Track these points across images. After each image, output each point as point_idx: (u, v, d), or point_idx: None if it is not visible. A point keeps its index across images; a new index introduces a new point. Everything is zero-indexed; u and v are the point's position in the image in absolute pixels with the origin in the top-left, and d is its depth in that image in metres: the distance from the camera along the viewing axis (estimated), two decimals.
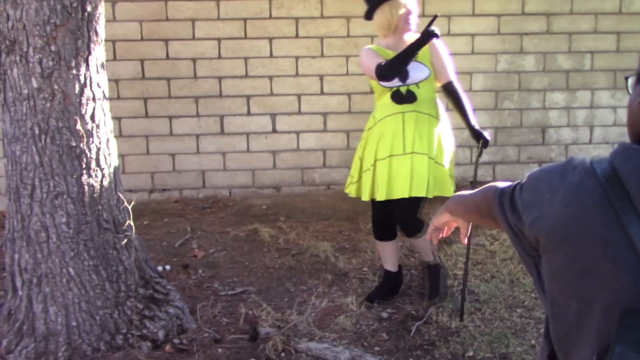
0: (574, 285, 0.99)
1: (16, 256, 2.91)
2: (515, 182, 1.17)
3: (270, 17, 5.25)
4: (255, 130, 5.41)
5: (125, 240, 2.97)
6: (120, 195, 3.03)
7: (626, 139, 1.06)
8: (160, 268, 3.85)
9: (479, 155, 3.37)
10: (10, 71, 2.82)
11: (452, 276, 3.82)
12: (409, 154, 3.22)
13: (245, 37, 5.28)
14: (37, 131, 2.80)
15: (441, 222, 1.53)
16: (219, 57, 5.30)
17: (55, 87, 2.80)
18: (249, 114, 5.38)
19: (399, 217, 3.40)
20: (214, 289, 3.70)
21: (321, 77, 5.38)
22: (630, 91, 1.04)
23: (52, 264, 2.83)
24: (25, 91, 2.80)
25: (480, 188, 1.36)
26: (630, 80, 1.04)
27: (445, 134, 3.38)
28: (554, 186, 1.04)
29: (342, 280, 3.81)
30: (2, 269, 3.59)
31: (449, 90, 3.35)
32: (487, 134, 3.35)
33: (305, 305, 3.46)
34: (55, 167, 2.81)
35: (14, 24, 2.76)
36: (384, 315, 3.39)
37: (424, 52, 3.24)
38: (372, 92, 3.53)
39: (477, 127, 3.32)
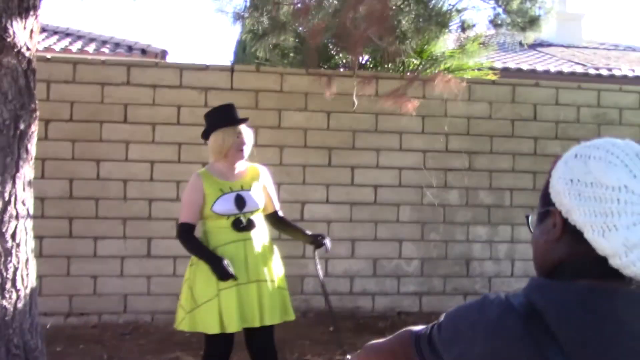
0: None
1: None
2: (430, 324, 1.19)
3: (206, 143, 5.33)
4: (183, 254, 5.29)
5: None
6: (35, 318, 2.88)
7: None
8: None
9: (314, 255, 3.41)
10: None
11: None
12: (254, 282, 3.19)
13: (179, 161, 5.33)
14: None
15: None
16: (151, 179, 5.30)
17: None
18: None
19: (259, 346, 3.31)
20: None
21: None
22: (532, 229, 1.11)
23: None
24: None
25: (393, 335, 1.37)
26: (531, 218, 1.12)
27: (277, 258, 3.41)
28: (473, 322, 1.05)
29: None
30: None
31: (277, 218, 3.49)
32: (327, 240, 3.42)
33: None
34: None
35: None
36: None
37: (253, 180, 3.34)
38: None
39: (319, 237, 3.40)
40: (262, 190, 3.37)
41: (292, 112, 5.52)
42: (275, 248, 3.42)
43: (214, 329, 3.14)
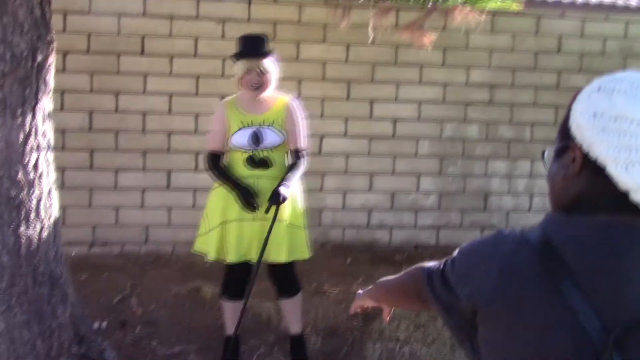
0: (516, 353, 1.00)
1: None
2: (443, 260, 1.19)
3: (223, 75, 5.31)
4: (202, 185, 5.36)
5: (61, 295, 2.88)
6: (59, 248, 2.95)
7: None
8: (96, 325, 3.71)
9: (266, 211, 3.18)
10: None
11: (395, 339, 3.81)
12: (259, 220, 3.20)
13: (197, 94, 5.31)
14: None
15: (363, 306, 1.58)
16: (170, 112, 5.30)
17: None
18: (196, 169, 5.35)
19: (280, 277, 3.39)
20: (152, 347, 3.59)
21: None
22: (547, 164, 1.10)
23: None
24: None
25: (405, 271, 1.38)
26: (547, 154, 1.11)
27: (297, 196, 3.39)
28: (488, 256, 1.05)
29: (285, 341, 3.75)
30: None
31: (293, 156, 3.36)
32: (282, 190, 3.16)
33: None
34: None
35: None
36: None
37: (280, 117, 3.29)
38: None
39: (279, 188, 3.16)
40: (288, 126, 3.31)
41: (310, 44, 5.44)
42: (298, 187, 3.40)
43: (210, 255, 3.30)
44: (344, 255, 5.43)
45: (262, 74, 3.21)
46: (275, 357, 3.55)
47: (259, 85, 3.22)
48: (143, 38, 5.22)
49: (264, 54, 3.25)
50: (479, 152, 5.79)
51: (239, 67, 3.24)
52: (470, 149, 5.77)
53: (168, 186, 5.37)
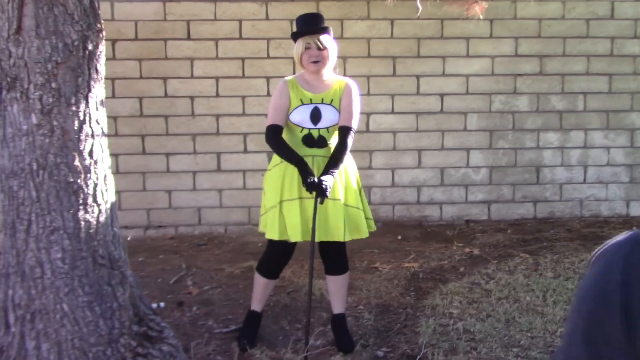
0: None
1: (10, 292, 2.89)
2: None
3: (268, 57, 5.33)
4: (252, 167, 5.43)
5: (120, 277, 2.97)
6: (116, 231, 3.03)
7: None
8: (154, 305, 3.82)
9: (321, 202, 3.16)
10: (10, 107, 2.85)
11: (448, 315, 3.81)
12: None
13: (243, 76, 5.35)
14: (35, 167, 2.81)
15: None
16: (217, 95, 5.36)
17: (55, 123, 2.83)
18: (245, 151, 5.41)
19: (331, 256, 3.40)
20: (208, 326, 3.67)
21: None
22: None
23: (46, 300, 2.81)
24: (25, 127, 2.82)
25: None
26: None
27: (351, 175, 3.37)
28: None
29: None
30: None
31: (340, 134, 3.27)
32: (325, 183, 3.09)
33: (300, 343, 3.43)
34: (52, 203, 2.82)
35: (16, 61, 2.80)
36: (380, 354, 3.36)
37: (337, 96, 3.27)
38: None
39: (322, 177, 3.10)
40: (343, 102, 3.29)
41: (354, 21, 5.40)
42: (352, 166, 3.41)
43: (273, 235, 3.26)
44: (395, 233, 5.42)
45: (321, 49, 3.23)
46: (328, 334, 3.58)
47: (318, 59, 3.23)
48: (188, 23, 5.28)
49: (321, 29, 3.26)
50: (529, 125, 5.67)
51: (297, 46, 3.27)
52: (520, 121, 5.66)
53: (218, 168, 5.45)
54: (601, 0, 5.57)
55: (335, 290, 3.50)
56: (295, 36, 3.29)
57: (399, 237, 5.33)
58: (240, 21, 5.32)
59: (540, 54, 5.58)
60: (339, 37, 5.33)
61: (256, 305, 3.53)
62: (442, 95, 5.56)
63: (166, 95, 5.34)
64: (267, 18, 5.30)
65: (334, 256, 3.42)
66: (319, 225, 3.24)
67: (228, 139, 5.41)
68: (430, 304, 3.95)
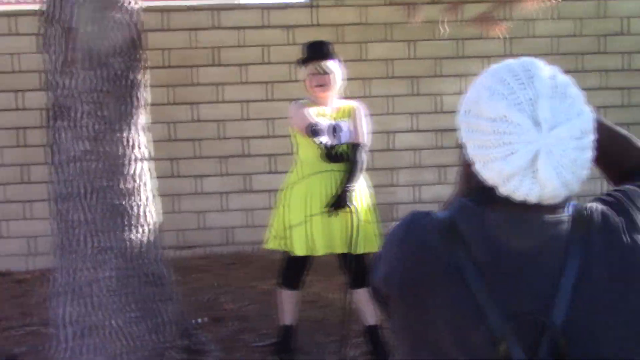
0: (421, 341, 0.98)
1: (61, 310, 3.05)
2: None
3: (292, 80, 5.50)
4: (279, 187, 5.57)
5: (165, 293, 3.12)
6: (161, 250, 3.20)
7: None
8: (195, 321, 3.96)
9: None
10: (60, 135, 3.04)
11: None
12: (341, 212, 3.32)
13: (269, 99, 5.53)
14: (84, 190, 2.99)
15: None
16: (245, 118, 5.54)
17: (102, 149, 3.02)
18: (272, 172, 5.57)
19: (352, 268, 3.47)
20: (246, 340, 3.80)
21: None
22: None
23: (97, 317, 2.98)
24: (74, 153, 3.01)
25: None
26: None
27: (364, 192, 3.50)
28: (400, 239, 1.04)
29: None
30: (44, 324, 3.72)
31: (355, 151, 3.40)
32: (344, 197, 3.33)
33: (336, 356, 3.54)
34: (101, 224, 2.99)
35: (66, 91, 2.99)
36: None
37: (346, 116, 3.41)
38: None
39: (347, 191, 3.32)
40: (354, 121, 3.44)
41: (375, 44, 5.57)
42: (366, 182, 3.55)
43: (301, 251, 3.37)
44: None
45: (326, 73, 3.38)
46: (364, 346, 3.69)
47: (323, 84, 3.37)
48: (215, 50, 5.48)
49: (325, 55, 3.42)
50: None
51: (304, 71, 3.44)
52: None
53: (247, 189, 5.61)
54: (614, 17, 5.69)
55: (365, 303, 3.60)
56: (302, 62, 3.46)
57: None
58: (265, 47, 5.51)
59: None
60: (361, 60, 5.51)
61: (287, 319, 3.62)
62: None
63: (195, 120, 5.52)
64: (290, 43, 5.48)
65: (358, 269, 3.52)
66: (334, 237, 3.38)
67: (256, 160, 5.57)
68: None
